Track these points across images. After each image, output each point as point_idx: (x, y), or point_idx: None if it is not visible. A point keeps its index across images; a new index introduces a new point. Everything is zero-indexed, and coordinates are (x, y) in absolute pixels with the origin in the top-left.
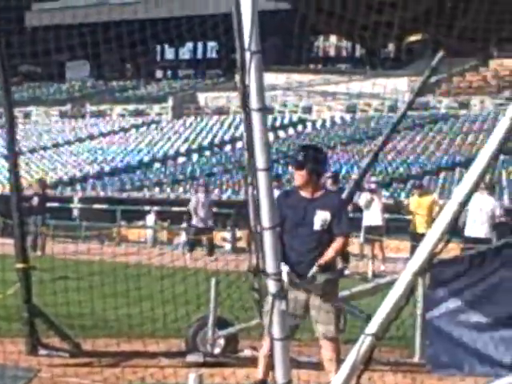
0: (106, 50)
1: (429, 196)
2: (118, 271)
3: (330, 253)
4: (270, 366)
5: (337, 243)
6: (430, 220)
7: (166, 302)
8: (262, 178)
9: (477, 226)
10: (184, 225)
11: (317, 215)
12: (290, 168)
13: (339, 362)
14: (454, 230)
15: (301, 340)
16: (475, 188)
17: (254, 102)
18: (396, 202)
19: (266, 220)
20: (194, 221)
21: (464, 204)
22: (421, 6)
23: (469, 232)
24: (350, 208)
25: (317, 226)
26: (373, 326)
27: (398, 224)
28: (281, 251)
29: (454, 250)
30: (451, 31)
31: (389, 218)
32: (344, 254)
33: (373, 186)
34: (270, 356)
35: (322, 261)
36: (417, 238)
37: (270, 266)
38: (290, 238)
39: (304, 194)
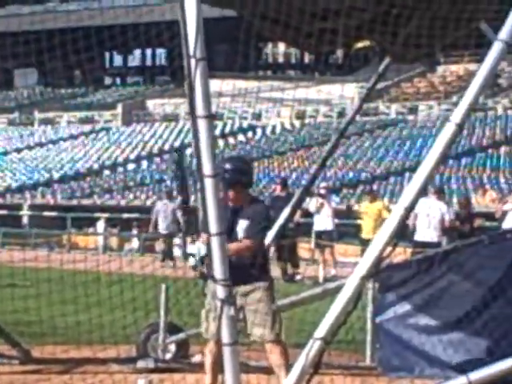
0: (54, 57)
1: (378, 202)
2: (67, 278)
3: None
4: (216, 372)
5: (236, 243)
6: (379, 226)
7: (115, 308)
8: (208, 184)
9: (426, 231)
10: (135, 231)
11: (239, 224)
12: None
13: (287, 365)
14: (402, 234)
15: (250, 344)
16: (421, 193)
17: (199, 109)
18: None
19: (213, 226)
20: (160, 227)
21: (410, 209)
22: (365, 14)
23: (418, 237)
24: (298, 214)
25: (240, 235)
26: (321, 330)
27: (348, 229)
28: None
29: (401, 254)
30: (396, 38)
31: (339, 223)
32: (293, 260)
33: (323, 191)
34: (216, 362)
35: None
36: (366, 243)
37: (218, 272)
38: None
39: (234, 205)
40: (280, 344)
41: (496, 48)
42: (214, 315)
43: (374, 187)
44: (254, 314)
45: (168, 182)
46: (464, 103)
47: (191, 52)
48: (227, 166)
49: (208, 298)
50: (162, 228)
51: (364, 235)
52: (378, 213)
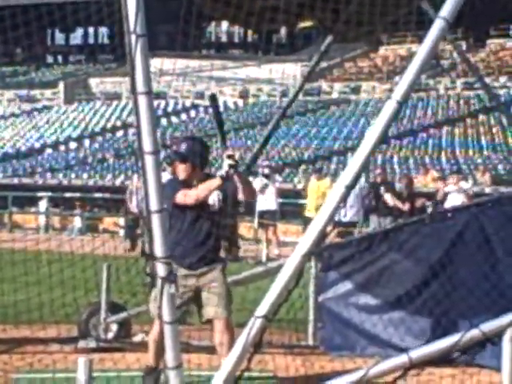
0: None
1: (325, 180)
2: (5, 257)
3: None
4: (160, 352)
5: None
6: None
7: (55, 287)
8: (149, 161)
9: (346, 210)
10: (78, 211)
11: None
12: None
13: (231, 345)
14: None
15: (191, 324)
16: (362, 171)
17: (139, 86)
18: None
19: (153, 203)
20: (131, 207)
21: (351, 187)
22: None
23: (339, 216)
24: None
25: None
26: (263, 308)
27: (291, 208)
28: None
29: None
30: (337, 16)
31: (282, 203)
32: (232, 239)
33: (266, 170)
34: (160, 341)
35: None
36: (308, 222)
37: (158, 250)
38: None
39: (187, 186)
40: (230, 324)
41: (437, 25)
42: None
43: (317, 167)
44: (209, 294)
45: (110, 161)
46: (405, 81)
47: (131, 28)
48: (182, 144)
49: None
50: (134, 207)
51: (307, 213)
52: (324, 191)
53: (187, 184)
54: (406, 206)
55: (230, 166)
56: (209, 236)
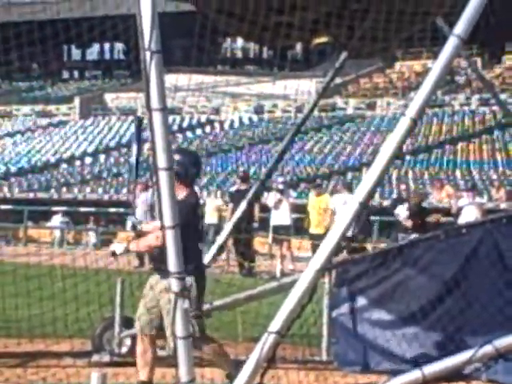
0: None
1: (323, 196)
2: (19, 271)
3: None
4: (150, 366)
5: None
6: (324, 220)
7: (68, 301)
8: (163, 177)
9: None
10: (92, 225)
11: None
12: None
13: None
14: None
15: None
16: (376, 187)
17: (154, 102)
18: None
19: (167, 219)
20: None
21: (365, 204)
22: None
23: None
24: (257, 209)
25: None
26: (276, 324)
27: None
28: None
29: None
30: (352, 32)
31: (296, 218)
32: (248, 254)
33: (280, 186)
34: (146, 356)
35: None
36: (314, 238)
37: (172, 265)
38: None
39: None
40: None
41: (451, 43)
42: (147, 306)
43: (332, 182)
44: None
45: (125, 176)
46: (419, 98)
47: (146, 44)
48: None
49: (145, 289)
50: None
51: (312, 230)
52: (324, 207)
53: None
54: (408, 223)
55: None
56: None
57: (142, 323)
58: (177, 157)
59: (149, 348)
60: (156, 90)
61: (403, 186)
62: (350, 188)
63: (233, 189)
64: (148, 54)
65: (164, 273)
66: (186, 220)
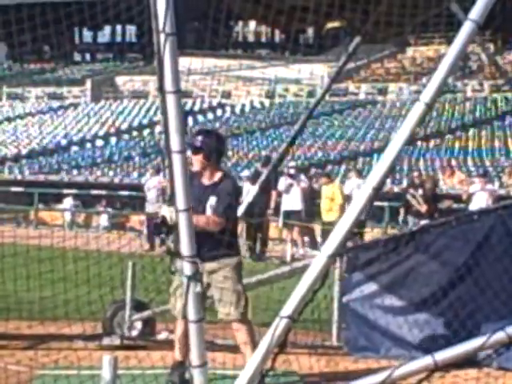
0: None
1: (333, 183)
2: (31, 253)
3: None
4: (186, 348)
5: (204, 216)
6: (334, 207)
7: (80, 284)
8: (176, 159)
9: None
10: (102, 208)
11: (209, 201)
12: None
13: (254, 343)
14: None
15: (217, 323)
16: (389, 173)
17: (168, 85)
18: None
19: (180, 202)
20: (146, 206)
21: (378, 189)
22: None
23: None
24: (273, 194)
25: (208, 212)
26: (288, 309)
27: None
28: None
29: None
30: (367, 16)
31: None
32: (262, 239)
33: (292, 171)
34: (185, 337)
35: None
36: (325, 225)
37: (185, 248)
38: None
39: (203, 179)
40: (246, 322)
41: (466, 28)
42: (181, 292)
43: (342, 167)
44: (220, 292)
45: (136, 159)
46: (433, 83)
47: (160, 27)
48: (197, 136)
49: (177, 275)
50: (150, 206)
51: (323, 217)
52: (332, 194)
53: (200, 175)
54: (423, 208)
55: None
56: (218, 232)
57: (180, 307)
58: (206, 139)
59: (185, 330)
60: (170, 72)
61: (415, 173)
62: (360, 173)
63: (245, 173)
64: (162, 36)
65: (222, 260)
66: (235, 200)
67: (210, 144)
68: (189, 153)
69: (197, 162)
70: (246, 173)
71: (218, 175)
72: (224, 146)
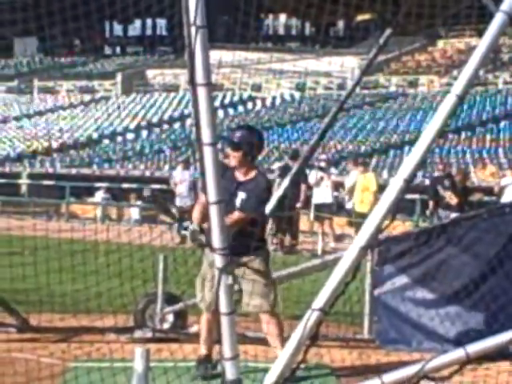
0: (53, 24)
1: (368, 173)
2: (63, 247)
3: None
4: (212, 341)
5: (232, 215)
6: (368, 197)
7: (113, 277)
8: (207, 152)
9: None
10: (134, 201)
11: (238, 196)
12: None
13: (282, 336)
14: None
15: (247, 315)
16: (420, 165)
17: (199, 77)
18: None
19: (211, 194)
20: (177, 200)
21: (409, 181)
22: None
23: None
24: (303, 187)
25: (236, 208)
26: (320, 301)
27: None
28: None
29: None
30: (398, 8)
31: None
32: (293, 232)
33: (322, 164)
34: (210, 331)
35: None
36: (357, 216)
37: (216, 241)
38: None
39: (237, 174)
40: (275, 315)
41: (498, 19)
42: (210, 285)
43: (373, 160)
44: (250, 285)
45: (167, 152)
46: (465, 75)
47: (191, 20)
48: (236, 132)
49: (203, 267)
50: (179, 201)
51: (356, 207)
52: (366, 184)
53: (233, 170)
54: (453, 201)
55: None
56: (248, 226)
57: (209, 301)
58: (246, 135)
59: (214, 325)
60: (201, 65)
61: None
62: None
63: (275, 166)
64: (193, 29)
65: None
66: (266, 198)
67: (250, 141)
68: (226, 148)
69: (235, 158)
70: (276, 165)
71: (252, 173)
72: (263, 143)
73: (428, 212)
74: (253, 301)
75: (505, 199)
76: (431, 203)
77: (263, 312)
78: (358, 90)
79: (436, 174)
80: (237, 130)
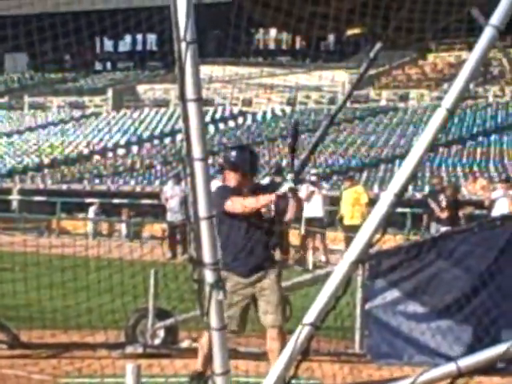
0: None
1: (356, 187)
2: (55, 262)
3: None
4: (209, 358)
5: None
6: (357, 211)
7: (103, 293)
8: (198, 167)
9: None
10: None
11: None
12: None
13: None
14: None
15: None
16: (411, 179)
17: (189, 93)
18: None
19: (202, 210)
20: (168, 215)
21: (400, 195)
22: None
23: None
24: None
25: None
26: (310, 316)
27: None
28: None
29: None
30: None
31: (330, 210)
32: (283, 246)
33: (313, 178)
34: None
35: None
36: (346, 229)
37: (207, 256)
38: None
39: (238, 194)
40: (283, 333)
41: (487, 33)
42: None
43: (364, 174)
44: (264, 302)
45: (158, 168)
46: (455, 89)
47: (181, 35)
48: (232, 152)
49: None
50: (170, 216)
51: (346, 221)
52: (356, 198)
53: (238, 192)
54: (444, 214)
55: (291, 190)
56: (262, 244)
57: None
58: (246, 155)
59: None
60: (191, 80)
61: (436, 180)
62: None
63: (265, 181)
64: (183, 44)
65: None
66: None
67: (246, 160)
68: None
69: (234, 178)
70: (266, 180)
71: (250, 186)
72: (257, 161)
73: (423, 225)
74: (267, 317)
75: (495, 212)
76: (425, 217)
77: (273, 327)
78: (348, 104)
79: (427, 187)
80: (232, 149)
